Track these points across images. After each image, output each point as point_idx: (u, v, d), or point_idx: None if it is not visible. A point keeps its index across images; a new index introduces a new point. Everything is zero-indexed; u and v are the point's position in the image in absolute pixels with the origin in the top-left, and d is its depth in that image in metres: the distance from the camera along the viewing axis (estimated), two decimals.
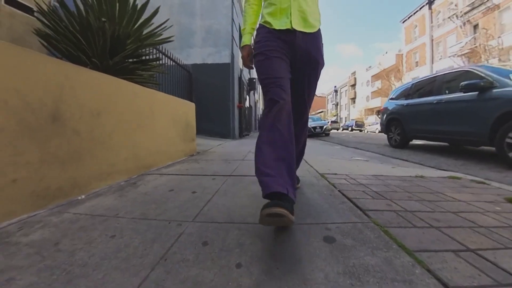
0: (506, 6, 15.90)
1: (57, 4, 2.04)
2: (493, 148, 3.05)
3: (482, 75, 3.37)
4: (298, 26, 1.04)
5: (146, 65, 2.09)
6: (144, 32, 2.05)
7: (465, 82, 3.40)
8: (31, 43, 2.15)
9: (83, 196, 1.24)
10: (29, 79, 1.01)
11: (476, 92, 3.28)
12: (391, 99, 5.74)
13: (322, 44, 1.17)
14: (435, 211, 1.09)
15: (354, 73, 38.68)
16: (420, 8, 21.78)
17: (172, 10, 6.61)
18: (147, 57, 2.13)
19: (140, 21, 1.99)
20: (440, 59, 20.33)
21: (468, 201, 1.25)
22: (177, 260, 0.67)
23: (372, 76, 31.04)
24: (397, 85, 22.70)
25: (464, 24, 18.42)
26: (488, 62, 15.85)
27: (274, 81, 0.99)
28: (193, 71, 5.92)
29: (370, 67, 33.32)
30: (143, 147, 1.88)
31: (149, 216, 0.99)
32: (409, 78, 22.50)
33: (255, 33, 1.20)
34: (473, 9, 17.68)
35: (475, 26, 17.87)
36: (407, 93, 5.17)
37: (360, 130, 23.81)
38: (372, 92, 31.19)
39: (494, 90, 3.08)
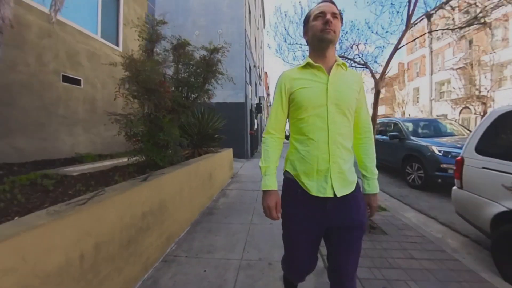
0: (496, 24, 18.74)
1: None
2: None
3: (401, 129, 6.30)
4: (340, 192, 1.00)
5: (217, 141, 5.10)
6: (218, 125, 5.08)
7: (391, 134, 6.34)
8: None
9: (214, 198, 4.20)
10: (205, 166, 3.99)
11: (397, 139, 6.21)
12: None
13: (363, 198, 1.10)
14: None
15: None
16: (420, 20, 24.58)
17: None
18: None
19: (221, 123, 5.03)
20: (438, 70, 23.10)
21: None
22: (258, 207, 3.61)
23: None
24: (398, 94, 25.51)
25: (460, 39, 21.19)
26: (479, 76, 18.70)
27: (295, 265, 1.16)
28: (216, 108, 8.98)
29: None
30: (220, 177, 4.84)
31: (242, 200, 4.03)
32: (410, 88, 25.38)
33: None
34: (467, 25, 20.45)
35: (470, 41, 20.65)
36: None
37: None
38: None
39: (406, 141, 6.02)
